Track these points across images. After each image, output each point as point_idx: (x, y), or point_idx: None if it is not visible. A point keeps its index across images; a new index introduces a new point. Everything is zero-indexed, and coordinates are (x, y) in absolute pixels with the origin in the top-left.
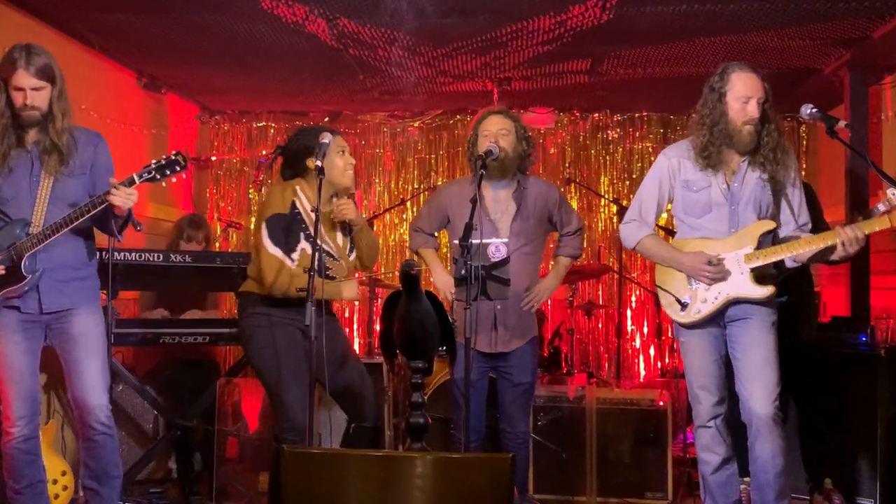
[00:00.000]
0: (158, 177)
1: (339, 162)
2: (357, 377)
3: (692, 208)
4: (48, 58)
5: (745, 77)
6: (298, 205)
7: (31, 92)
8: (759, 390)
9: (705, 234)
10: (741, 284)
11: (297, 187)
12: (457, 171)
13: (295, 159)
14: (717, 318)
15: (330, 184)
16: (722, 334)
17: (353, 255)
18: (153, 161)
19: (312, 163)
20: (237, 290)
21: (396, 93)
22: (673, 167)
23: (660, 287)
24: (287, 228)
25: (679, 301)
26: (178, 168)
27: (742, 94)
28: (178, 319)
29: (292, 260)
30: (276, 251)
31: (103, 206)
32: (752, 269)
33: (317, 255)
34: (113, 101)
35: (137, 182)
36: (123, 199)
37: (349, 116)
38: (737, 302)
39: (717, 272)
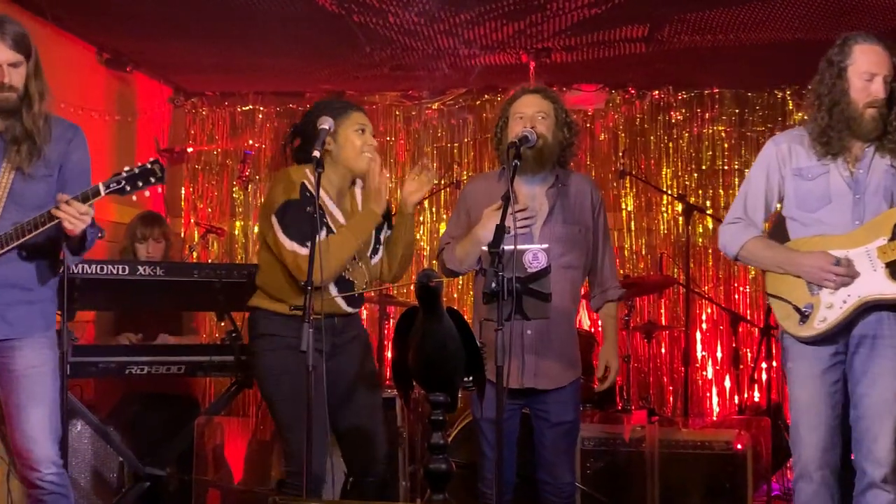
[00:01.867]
0: (129, 188)
1: (356, 142)
2: (365, 416)
3: (806, 200)
4: (21, 27)
5: (868, 50)
6: (310, 187)
7: (8, 68)
8: (883, 440)
9: (823, 231)
10: (876, 283)
11: (308, 169)
12: (485, 162)
13: (308, 140)
14: (841, 338)
15: (346, 168)
16: (843, 362)
17: (377, 258)
18: (124, 170)
19: (327, 143)
20: (247, 303)
21: (411, 68)
22: (782, 154)
23: (773, 296)
24: (303, 216)
25: (798, 310)
26: (153, 180)
27: (865, 69)
28: (148, 346)
29: (305, 247)
30: (290, 245)
31: (46, 227)
32: (889, 265)
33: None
34: (67, 81)
35: (103, 194)
36: (71, 219)
37: (353, 97)
38: (869, 309)
39: (845, 273)
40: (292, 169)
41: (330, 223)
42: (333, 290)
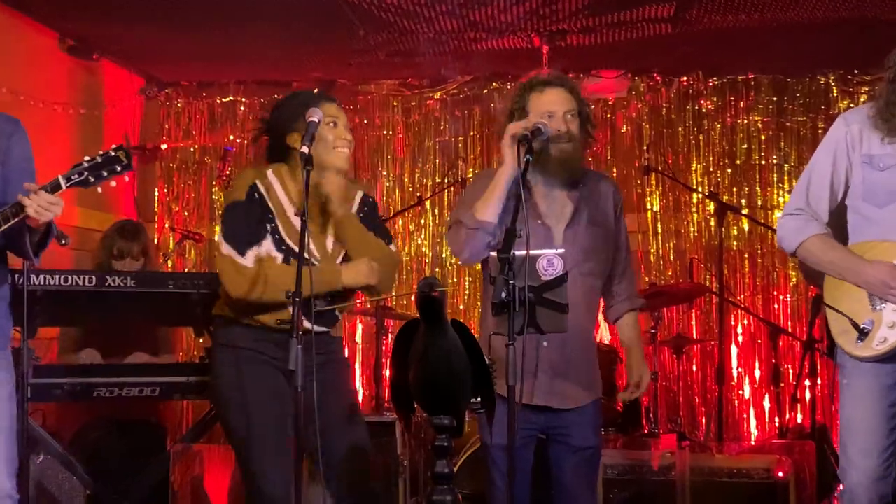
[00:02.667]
0: (93, 180)
1: (327, 136)
2: (347, 448)
3: (874, 193)
4: None
5: None
6: (262, 189)
7: None
8: None
9: (886, 233)
10: None
11: (270, 170)
12: (493, 158)
13: (276, 137)
14: None
15: (318, 164)
16: None
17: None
18: (85, 159)
19: (294, 140)
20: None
21: (410, 54)
22: (853, 137)
23: (830, 307)
24: (243, 219)
25: (857, 326)
26: (118, 168)
27: None
28: (118, 365)
29: (243, 256)
30: (228, 250)
31: (18, 219)
32: None
33: (303, 269)
34: (26, 70)
35: (64, 187)
36: (40, 208)
37: (346, 87)
38: None
39: None
40: (250, 168)
41: (283, 235)
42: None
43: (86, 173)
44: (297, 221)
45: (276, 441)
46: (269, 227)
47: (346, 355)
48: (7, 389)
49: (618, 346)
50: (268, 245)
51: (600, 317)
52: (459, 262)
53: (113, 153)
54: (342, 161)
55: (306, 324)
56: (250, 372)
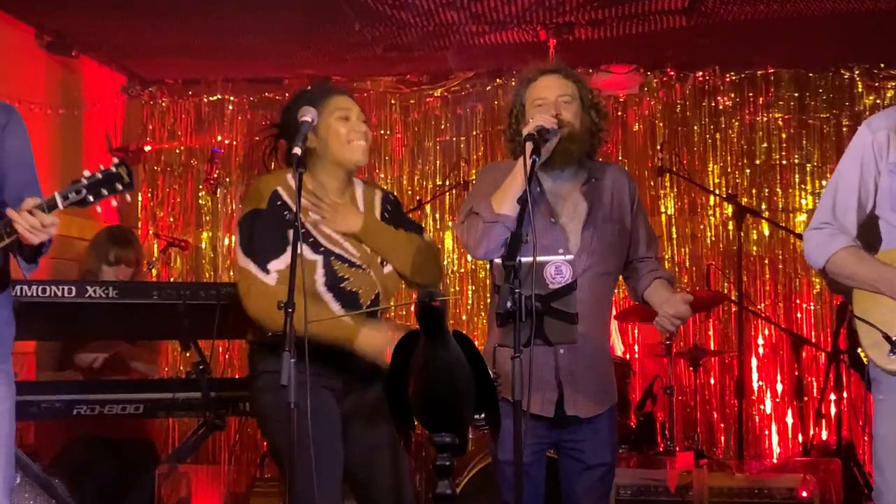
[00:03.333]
0: (92, 199)
1: (340, 130)
2: (389, 468)
3: None
4: None
5: None
6: (285, 195)
7: None
8: None
9: None
10: None
11: (289, 175)
12: (497, 159)
13: (289, 140)
14: None
15: (335, 164)
16: None
17: (391, 266)
18: (84, 175)
19: (310, 140)
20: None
21: (408, 48)
22: (880, 145)
23: (861, 319)
24: (265, 229)
25: (889, 339)
26: (119, 186)
27: None
28: (99, 382)
29: (266, 272)
30: (245, 262)
31: (11, 239)
32: None
33: (299, 275)
34: (1, 68)
35: (61, 206)
36: (34, 229)
37: (341, 84)
38: None
39: None
40: (270, 174)
41: (317, 236)
42: (335, 305)
43: (84, 191)
44: (311, 226)
45: (322, 466)
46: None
47: None
48: (7, 405)
49: (630, 359)
50: (306, 251)
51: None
52: (471, 258)
53: (115, 170)
54: (360, 155)
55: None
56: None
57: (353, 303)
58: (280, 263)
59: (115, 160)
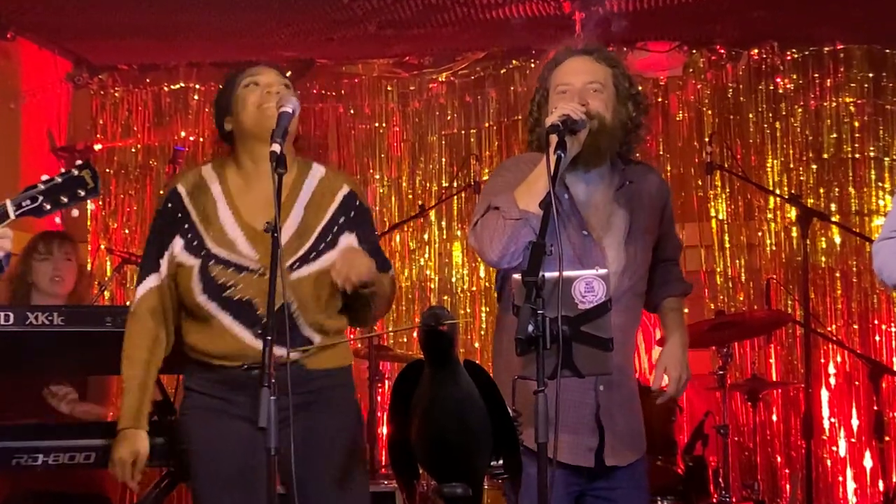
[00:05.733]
0: (49, 207)
1: (248, 98)
2: None
3: None
4: None
5: None
6: (184, 192)
7: None
8: None
9: None
10: None
11: (210, 165)
12: (515, 152)
13: (219, 125)
14: None
15: (253, 140)
16: None
17: (310, 269)
18: (42, 179)
19: (230, 122)
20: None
21: (406, 25)
22: None
23: None
24: (155, 235)
25: None
26: (81, 193)
27: None
28: (43, 426)
29: (139, 286)
30: (142, 278)
31: None
32: None
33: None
34: None
35: (13, 216)
36: None
37: (327, 68)
38: None
39: None
40: (186, 170)
41: (204, 235)
42: (227, 318)
43: (41, 199)
44: (230, 225)
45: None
46: (178, 234)
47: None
48: None
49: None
50: (176, 248)
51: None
52: (488, 262)
53: (77, 173)
54: (269, 119)
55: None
56: (205, 423)
57: (250, 314)
58: (153, 280)
59: (79, 161)
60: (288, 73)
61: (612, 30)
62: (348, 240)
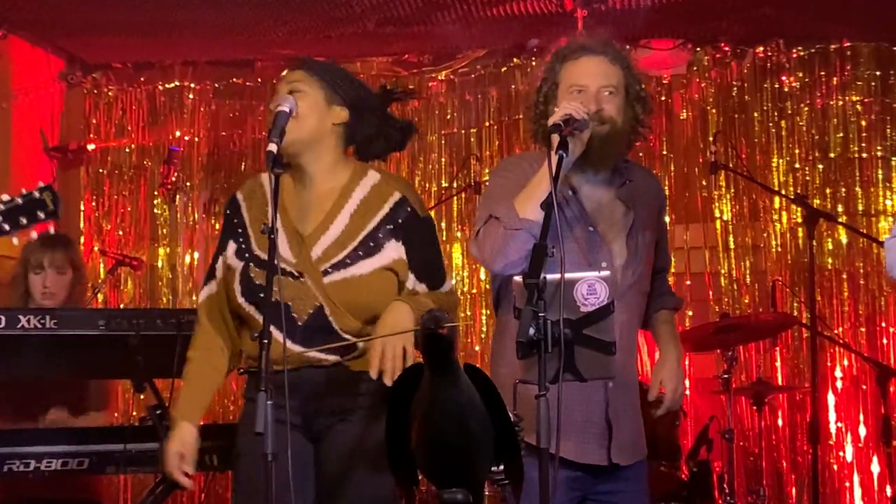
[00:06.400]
0: (8, 227)
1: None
2: None
3: None
4: None
5: None
6: (241, 199)
7: None
8: None
9: None
10: None
11: (263, 175)
12: (516, 152)
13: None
14: None
15: (300, 156)
16: None
17: (347, 273)
18: (2, 199)
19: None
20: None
21: (406, 22)
22: None
23: None
24: (218, 241)
25: None
26: (41, 215)
27: None
28: (35, 431)
29: (203, 289)
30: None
31: None
32: None
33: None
34: None
35: None
36: None
37: None
38: None
39: None
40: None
41: (251, 237)
42: (279, 334)
43: (0, 219)
44: (280, 237)
45: None
46: (232, 241)
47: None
48: None
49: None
50: (229, 253)
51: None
52: (491, 272)
53: (38, 195)
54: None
55: (318, 355)
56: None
57: (286, 317)
58: (211, 287)
59: (40, 183)
60: (285, 72)
61: (614, 27)
62: (396, 249)
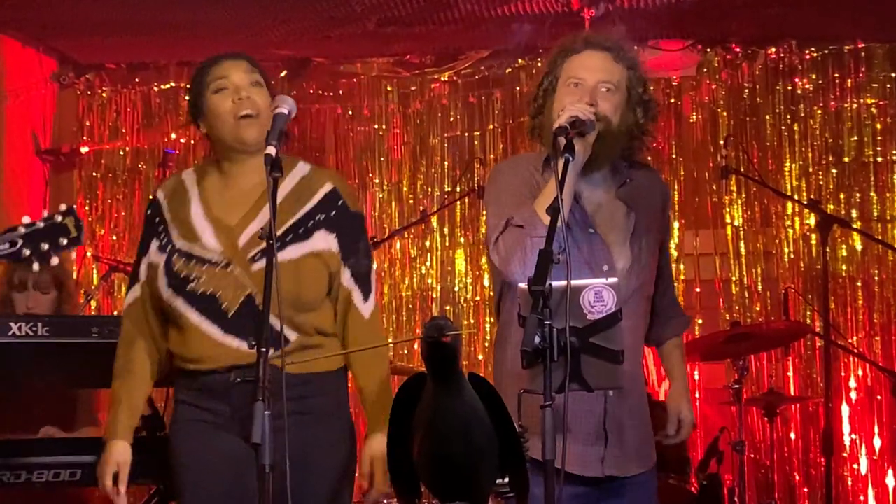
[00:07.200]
0: (29, 253)
1: (219, 105)
2: None
3: None
4: None
5: None
6: (162, 198)
7: None
8: None
9: None
10: None
11: (192, 168)
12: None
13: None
14: None
15: (231, 149)
16: None
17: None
18: (24, 222)
19: (204, 126)
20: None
21: (407, 22)
22: None
23: None
24: (142, 242)
25: None
26: (64, 242)
27: None
28: (25, 441)
29: (127, 294)
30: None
31: None
32: None
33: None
34: None
35: None
36: None
37: (323, 67)
38: None
39: None
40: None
41: (171, 231)
42: (193, 313)
43: (20, 243)
44: (198, 219)
45: None
46: (155, 240)
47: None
48: None
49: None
50: (151, 252)
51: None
52: (515, 281)
53: (60, 219)
54: (245, 132)
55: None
56: (188, 434)
57: (214, 309)
58: (135, 291)
59: (64, 206)
60: (283, 73)
61: (622, 27)
62: (326, 239)
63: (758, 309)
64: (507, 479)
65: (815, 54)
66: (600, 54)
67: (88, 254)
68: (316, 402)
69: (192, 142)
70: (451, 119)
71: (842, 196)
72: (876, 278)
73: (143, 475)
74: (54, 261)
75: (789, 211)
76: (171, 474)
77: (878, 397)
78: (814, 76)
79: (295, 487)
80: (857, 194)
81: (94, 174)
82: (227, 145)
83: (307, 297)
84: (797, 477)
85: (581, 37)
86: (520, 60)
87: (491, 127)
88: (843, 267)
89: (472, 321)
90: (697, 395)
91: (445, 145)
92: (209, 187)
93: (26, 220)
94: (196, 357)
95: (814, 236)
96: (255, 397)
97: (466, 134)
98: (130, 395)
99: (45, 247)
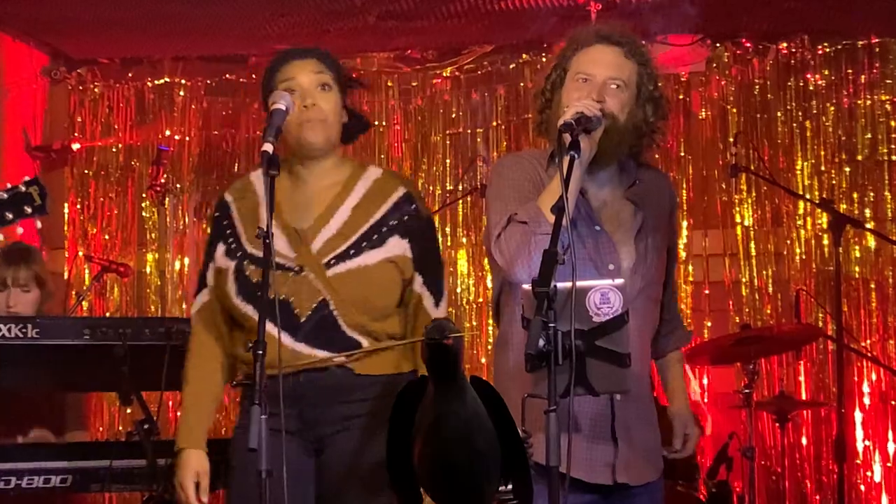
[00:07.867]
0: None
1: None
2: None
3: None
4: None
5: None
6: (231, 200)
7: None
8: None
9: None
10: None
11: (253, 174)
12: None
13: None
14: None
15: (298, 153)
16: None
17: (352, 264)
18: None
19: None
20: None
21: (408, 16)
22: None
23: None
24: (206, 246)
25: None
26: (28, 210)
27: None
28: (14, 446)
29: (195, 299)
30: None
31: None
32: None
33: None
34: None
35: None
36: None
37: None
38: None
39: None
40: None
41: (241, 235)
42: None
43: None
44: (276, 236)
45: None
46: (221, 244)
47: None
48: None
49: (701, 415)
50: (219, 256)
51: None
52: (518, 280)
53: (24, 189)
54: (310, 134)
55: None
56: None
57: (287, 315)
58: (203, 296)
59: (26, 178)
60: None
61: (629, 21)
62: (400, 245)
63: (768, 311)
64: (510, 486)
65: (827, 49)
66: (611, 49)
67: (80, 253)
68: (385, 403)
69: (188, 138)
70: (454, 116)
71: (855, 195)
72: (890, 280)
73: (136, 481)
74: (18, 229)
75: (801, 210)
76: (229, 474)
77: (893, 402)
78: (826, 72)
79: (359, 483)
80: (871, 193)
81: (86, 172)
82: (293, 149)
83: (379, 303)
84: (809, 484)
85: (593, 30)
86: (524, 56)
87: (494, 124)
88: (857, 268)
89: (474, 323)
90: (706, 400)
91: (447, 143)
92: (279, 189)
93: None
94: (266, 363)
95: (826, 237)
96: (253, 401)
97: (469, 131)
98: (200, 401)
99: (10, 216)
